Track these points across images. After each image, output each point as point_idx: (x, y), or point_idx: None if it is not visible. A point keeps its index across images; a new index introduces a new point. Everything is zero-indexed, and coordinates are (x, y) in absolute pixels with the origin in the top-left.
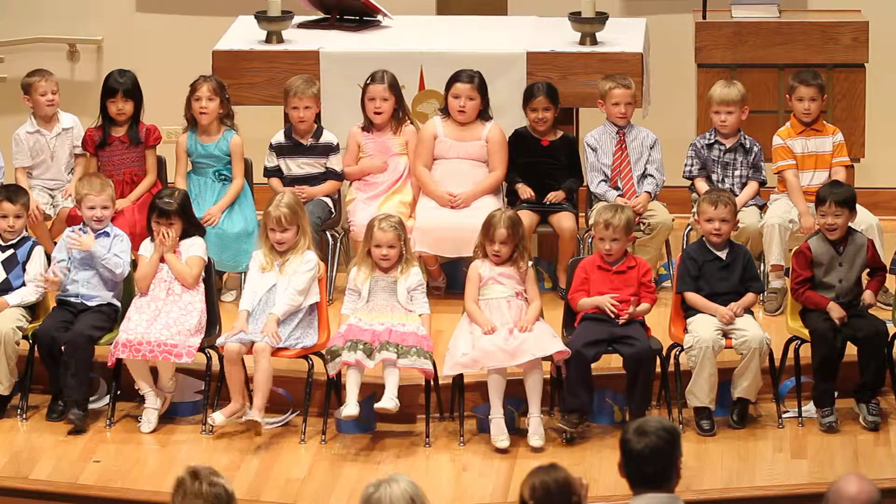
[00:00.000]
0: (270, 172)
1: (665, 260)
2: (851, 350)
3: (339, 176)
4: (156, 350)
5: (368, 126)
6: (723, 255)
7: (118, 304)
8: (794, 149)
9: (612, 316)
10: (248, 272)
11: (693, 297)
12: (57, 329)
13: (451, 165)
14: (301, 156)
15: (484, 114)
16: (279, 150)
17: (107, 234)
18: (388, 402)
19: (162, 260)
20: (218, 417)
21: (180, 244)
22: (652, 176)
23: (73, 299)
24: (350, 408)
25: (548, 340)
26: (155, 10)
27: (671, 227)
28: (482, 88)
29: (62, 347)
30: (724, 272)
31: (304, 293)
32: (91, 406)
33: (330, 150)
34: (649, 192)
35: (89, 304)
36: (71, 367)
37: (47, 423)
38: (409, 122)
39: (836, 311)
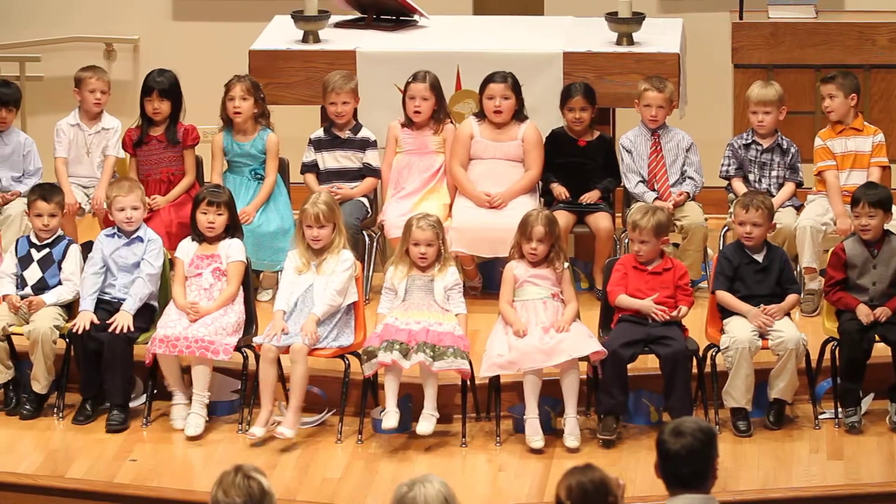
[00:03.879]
0: (307, 168)
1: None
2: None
3: (375, 172)
4: (193, 346)
5: (408, 123)
6: (759, 257)
7: (155, 304)
8: (834, 149)
9: (659, 320)
10: (283, 272)
11: (724, 297)
12: (93, 328)
13: (488, 166)
14: (338, 149)
15: (519, 114)
16: (317, 145)
17: (140, 240)
18: (427, 425)
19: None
20: (258, 431)
21: (219, 245)
22: (692, 178)
23: (110, 299)
24: (389, 419)
25: (584, 341)
26: (190, 18)
27: (705, 229)
28: (516, 88)
29: (99, 347)
30: (760, 275)
31: (343, 293)
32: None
33: (367, 144)
34: (688, 193)
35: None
36: (111, 368)
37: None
38: (449, 122)
39: (863, 313)
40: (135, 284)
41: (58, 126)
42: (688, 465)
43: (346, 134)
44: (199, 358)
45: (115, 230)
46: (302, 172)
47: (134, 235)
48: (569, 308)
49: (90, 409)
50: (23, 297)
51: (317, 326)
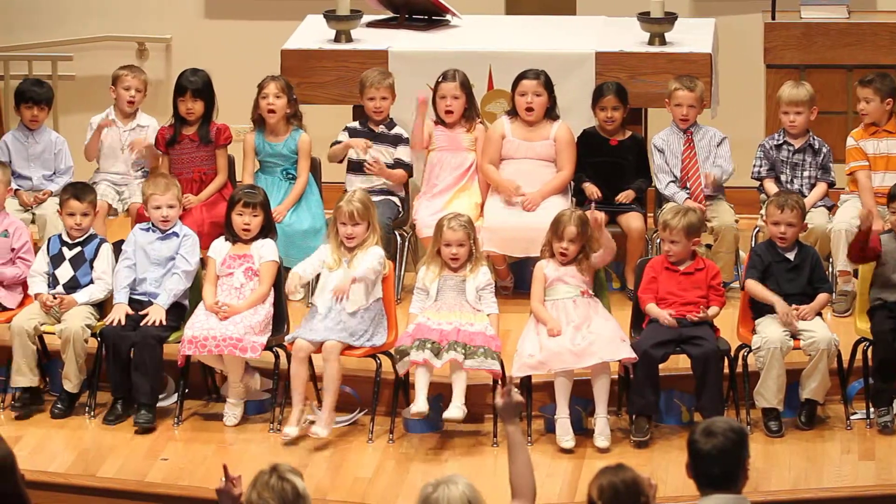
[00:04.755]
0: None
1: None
2: None
3: (408, 168)
4: (222, 345)
5: (441, 121)
6: (791, 255)
7: (186, 303)
8: (866, 150)
9: (673, 326)
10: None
11: (754, 286)
12: (124, 328)
13: (520, 165)
14: (371, 142)
15: (551, 112)
16: (352, 132)
17: (175, 235)
18: (456, 411)
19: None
20: (292, 431)
21: (252, 245)
22: (719, 166)
23: (141, 297)
24: (419, 405)
25: (616, 345)
26: (223, 17)
27: (736, 230)
28: (548, 86)
29: (130, 347)
30: (792, 273)
31: (377, 274)
32: (159, 404)
33: (399, 140)
34: (715, 176)
35: (161, 302)
36: (141, 368)
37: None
38: (480, 121)
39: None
40: (170, 279)
41: (91, 122)
42: (719, 465)
43: (380, 129)
44: (228, 357)
45: (150, 224)
46: (332, 145)
47: (169, 231)
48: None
49: (121, 409)
50: (54, 296)
51: (350, 285)
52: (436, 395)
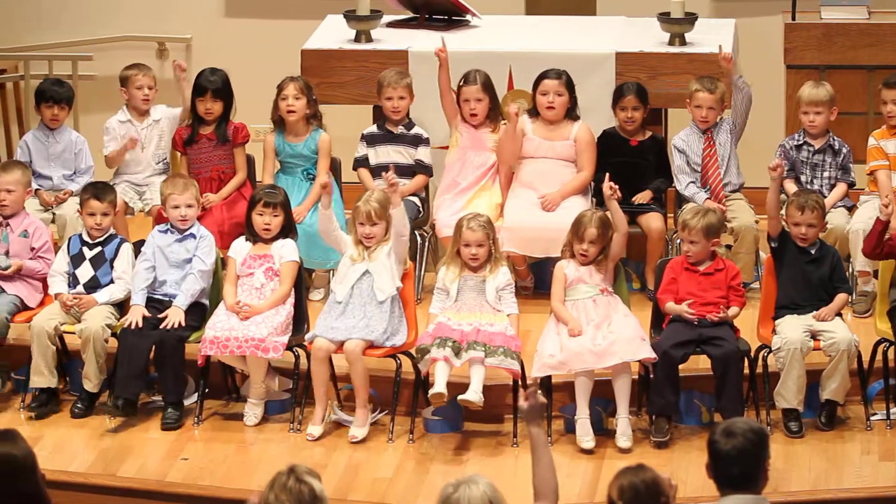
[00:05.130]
0: (359, 163)
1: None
2: None
3: (427, 169)
4: (243, 346)
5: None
6: (812, 250)
7: (206, 302)
8: (887, 149)
9: (693, 320)
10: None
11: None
12: (144, 327)
13: (540, 165)
14: (391, 143)
15: (572, 112)
16: (370, 140)
17: (192, 237)
18: (473, 395)
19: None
20: (316, 430)
21: (272, 245)
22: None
23: (162, 298)
24: (438, 387)
25: (637, 345)
26: (243, 16)
27: (756, 230)
28: (570, 85)
29: (149, 347)
30: (812, 266)
31: (403, 263)
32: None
33: (420, 141)
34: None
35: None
36: (163, 366)
37: (136, 420)
38: (503, 121)
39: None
40: (186, 280)
41: (107, 124)
42: (738, 465)
43: (398, 129)
44: (250, 357)
45: (168, 226)
46: (354, 168)
47: (187, 232)
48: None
49: (124, 401)
50: (74, 296)
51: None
52: (455, 395)
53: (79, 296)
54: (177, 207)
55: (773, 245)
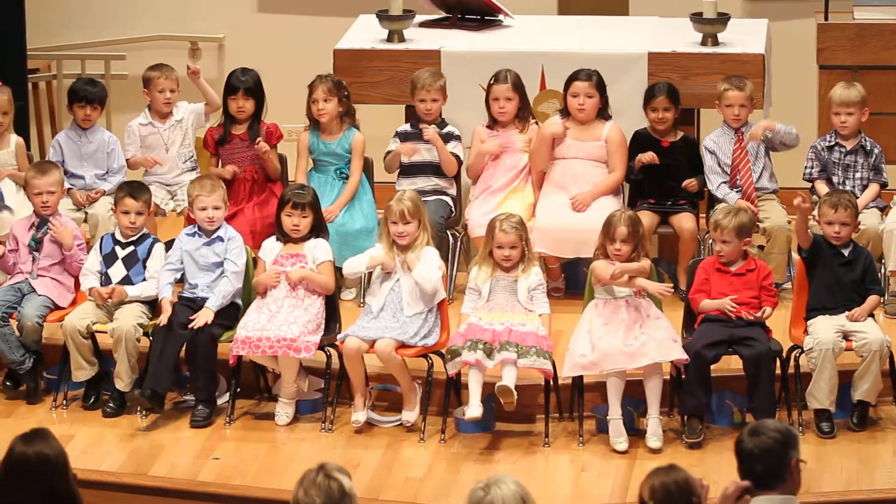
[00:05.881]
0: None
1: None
2: None
3: (460, 159)
4: (275, 346)
5: (493, 124)
6: (845, 252)
7: (240, 302)
8: None
9: (733, 317)
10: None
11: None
12: (176, 326)
13: (571, 166)
14: (424, 142)
15: (603, 112)
16: (403, 137)
17: (220, 239)
18: (509, 382)
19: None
20: (360, 416)
21: (304, 245)
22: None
23: (194, 297)
24: (473, 409)
25: (668, 345)
26: (276, 11)
27: (788, 231)
28: (600, 86)
29: (180, 345)
30: (845, 268)
31: (434, 283)
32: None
33: (451, 137)
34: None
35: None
36: (195, 364)
37: (168, 420)
38: (534, 121)
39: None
40: (220, 283)
41: (128, 127)
42: (762, 462)
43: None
44: (281, 357)
45: (196, 228)
46: (385, 163)
47: (214, 235)
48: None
49: (150, 397)
50: (106, 290)
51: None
52: (487, 395)
53: (111, 287)
54: (204, 209)
55: (803, 255)
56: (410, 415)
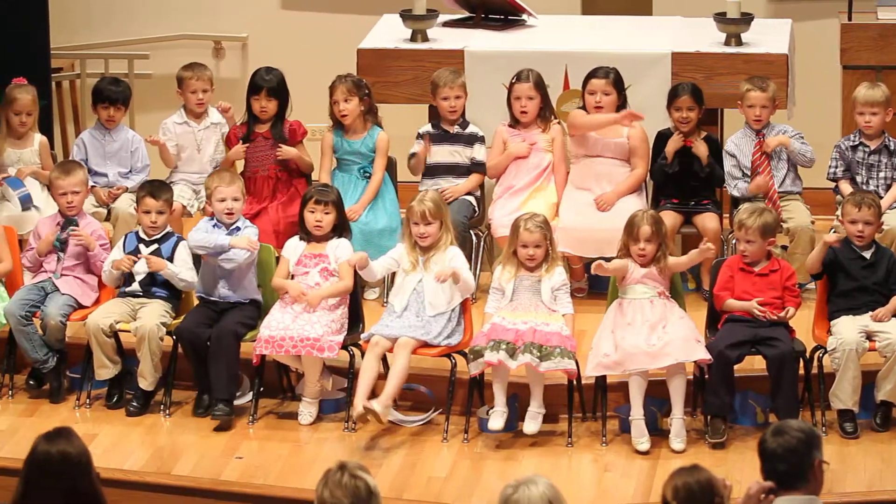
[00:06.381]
0: (412, 157)
1: None
2: None
3: (482, 167)
4: (299, 345)
5: (514, 123)
6: (867, 254)
7: (260, 299)
8: None
9: (767, 319)
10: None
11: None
12: (199, 325)
13: (593, 165)
14: (447, 143)
15: (622, 109)
16: (435, 138)
17: (238, 229)
18: (533, 425)
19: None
20: (376, 406)
21: (327, 245)
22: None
23: (217, 300)
24: (497, 420)
25: (692, 346)
26: (300, 8)
27: (812, 231)
28: (618, 84)
29: (206, 343)
30: (867, 271)
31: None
32: (234, 402)
33: (475, 139)
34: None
35: (232, 301)
36: (217, 363)
37: (190, 419)
38: (556, 120)
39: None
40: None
41: (163, 125)
42: (784, 462)
43: (454, 129)
44: (305, 357)
45: (214, 221)
46: (409, 164)
47: (233, 228)
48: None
49: (209, 400)
50: (134, 295)
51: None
52: (511, 395)
53: (149, 257)
54: (223, 200)
55: (823, 271)
56: (378, 406)
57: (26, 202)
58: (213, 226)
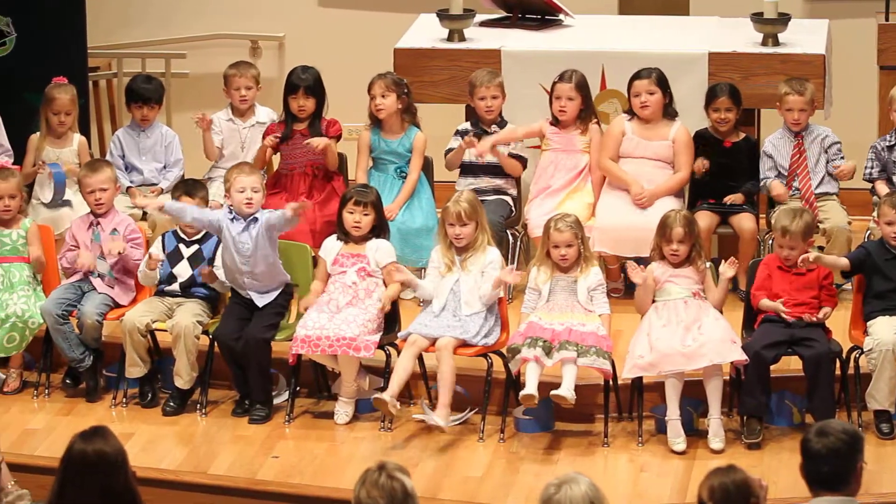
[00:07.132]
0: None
1: None
2: None
3: (523, 160)
4: (335, 345)
5: (555, 122)
6: None
7: (292, 292)
8: None
9: (788, 319)
10: (426, 272)
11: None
12: (234, 331)
13: (636, 165)
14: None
15: (669, 109)
16: (463, 135)
17: (255, 220)
18: (566, 391)
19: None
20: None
21: (366, 246)
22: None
23: (245, 295)
24: (529, 388)
25: (727, 347)
26: (337, 6)
27: (848, 231)
28: (662, 83)
29: (241, 345)
30: None
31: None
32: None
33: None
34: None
35: (259, 304)
36: (251, 367)
37: (226, 419)
38: (595, 122)
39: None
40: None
41: (211, 118)
42: (828, 464)
43: (493, 129)
44: (341, 356)
45: (234, 214)
46: (446, 155)
47: (251, 218)
48: (710, 297)
49: (248, 404)
50: (173, 294)
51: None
52: (546, 397)
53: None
54: (242, 190)
55: (853, 272)
56: (440, 419)
57: (60, 184)
58: (232, 218)
